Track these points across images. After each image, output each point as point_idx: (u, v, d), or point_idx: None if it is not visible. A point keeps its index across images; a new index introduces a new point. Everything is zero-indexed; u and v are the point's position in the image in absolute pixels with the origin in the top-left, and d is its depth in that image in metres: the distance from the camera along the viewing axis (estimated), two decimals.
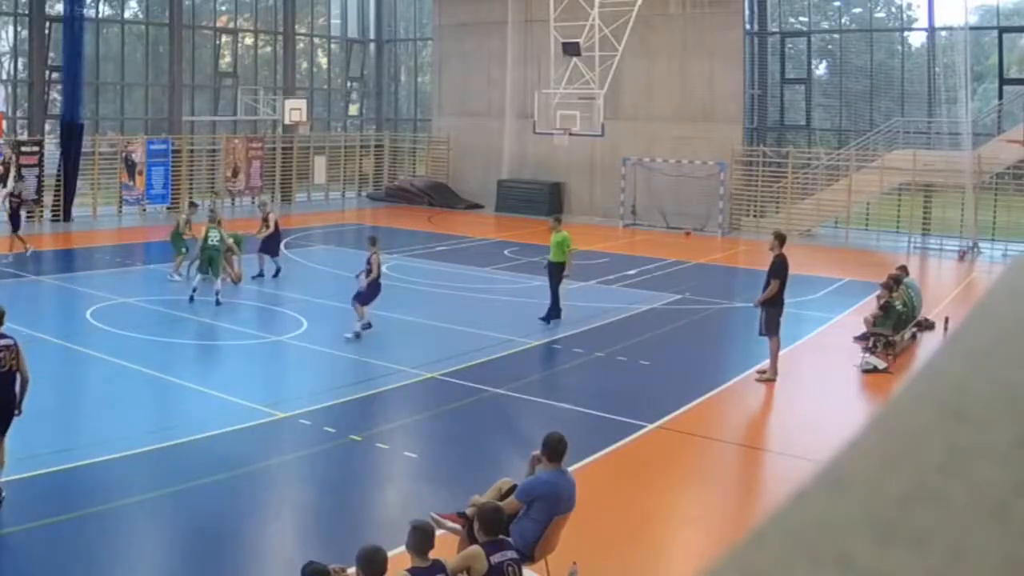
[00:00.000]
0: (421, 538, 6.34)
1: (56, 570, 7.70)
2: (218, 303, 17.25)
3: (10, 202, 22.96)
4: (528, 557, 7.25)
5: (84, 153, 29.22)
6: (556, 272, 17.15)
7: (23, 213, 23.01)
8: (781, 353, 13.92)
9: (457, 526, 7.47)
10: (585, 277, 21.88)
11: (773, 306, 13.75)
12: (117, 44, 33.20)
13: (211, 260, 17.60)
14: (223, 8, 36.27)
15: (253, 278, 19.84)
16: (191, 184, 33.25)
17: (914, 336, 16.43)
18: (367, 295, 15.81)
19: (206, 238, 17.79)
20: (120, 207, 30.40)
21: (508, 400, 12.74)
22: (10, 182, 26.36)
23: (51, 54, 30.07)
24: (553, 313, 17.01)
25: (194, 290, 17.66)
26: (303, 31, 38.04)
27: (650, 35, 31.11)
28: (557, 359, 14.78)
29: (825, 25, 33.48)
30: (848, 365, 14.65)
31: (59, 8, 29.57)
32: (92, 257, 22.15)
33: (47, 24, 29.81)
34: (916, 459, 0.40)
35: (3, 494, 8.75)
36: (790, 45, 33.14)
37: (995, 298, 0.53)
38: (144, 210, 31.14)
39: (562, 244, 17.23)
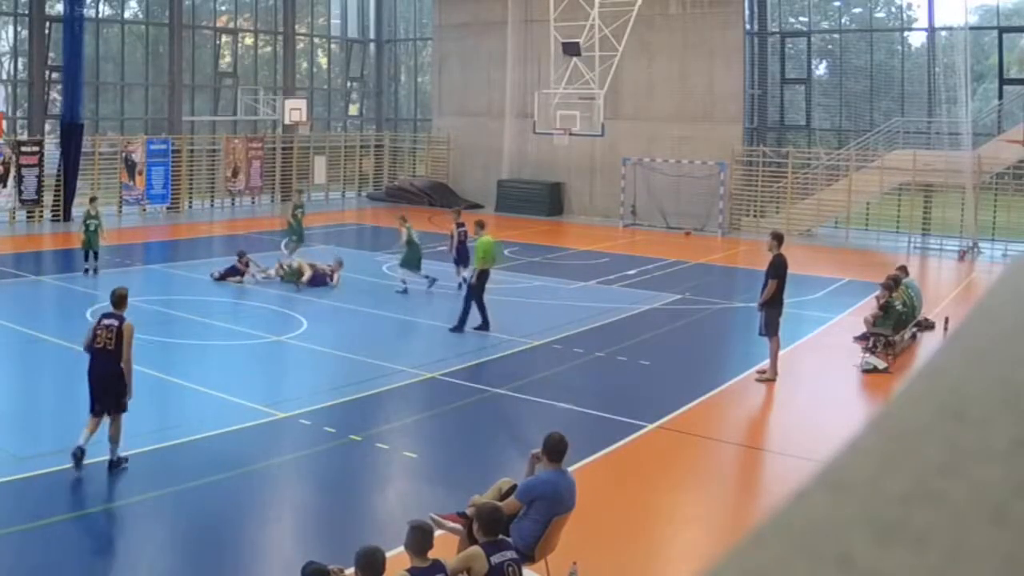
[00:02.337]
0: (420, 538, 6.34)
1: (56, 570, 7.70)
2: (430, 288, 19.37)
3: None
4: (528, 557, 7.25)
5: (84, 153, 29.22)
6: (479, 280, 16.19)
7: None
8: (781, 353, 13.92)
9: (457, 526, 7.47)
10: (585, 277, 21.88)
11: (772, 306, 13.75)
12: (117, 44, 33.21)
13: (418, 258, 19.71)
14: (223, 8, 36.28)
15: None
16: (191, 184, 33.27)
17: (914, 336, 16.43)
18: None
19: (410, 237, 19.63)
20: (120, 207, 30.41)
21: (508, 400, 12.74)
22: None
23: (51, 54, 30.07)
24: (482, 324, 16.06)
25: (403, 282, 19.40)
26: (303, 31, 38.04)
27: (650, 35, 31.12)
28: (557, 359, 14.78)
29: (825, 25, 33.48)
30: (848, 365, 14.64)
31: (59, 8, 29.57)
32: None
33: (47, 24, 29.81)
34: (916, 459, 0.40)
35: (126, 463, 9.73)
36: (790, 45, 33.14)
37: (995, 298, 0.53)
38: (144, 210, 31.14)
39: (481, 250, 16.32)
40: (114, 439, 9.65)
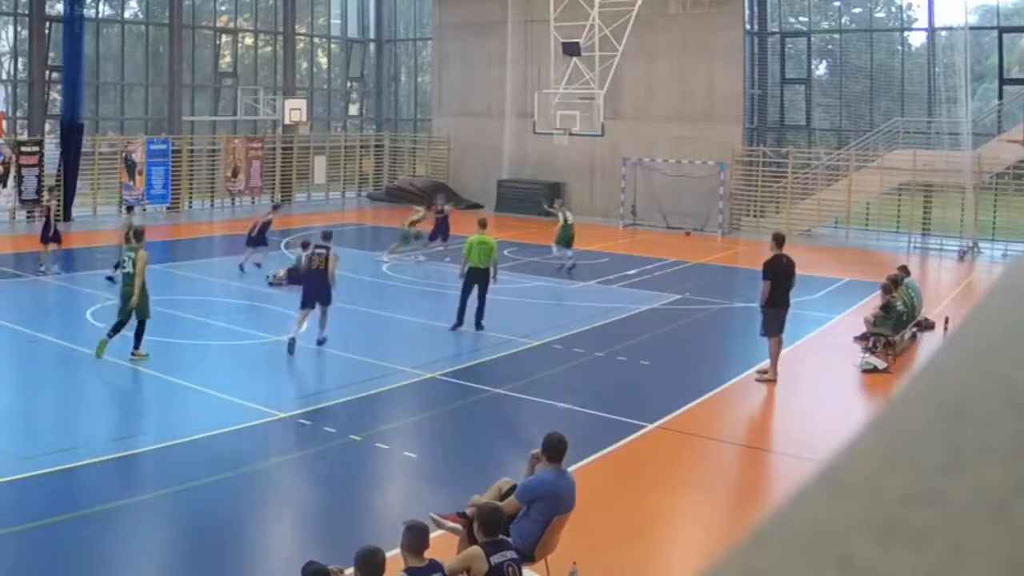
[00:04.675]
0: (416, 537, 6.33)
1: (56, 570, 7.70)
2: (573, 267, 22.31)
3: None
4: (528, 557, 7.25)
5: (84, 153, 29.21)
6: (476, 278, 16.27)
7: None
8: (781, 353, 13.89)
9: (457, 526, 7.47)
10: (585, 277, 21.89)
11: (771, 307, 13.74)
12: (117, 44, 33.20)
13: (571, 238, 22.52)
14: (223, 8, 36.27)
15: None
16: (191, 184, 33.27)
17: (914, 336, 16.43)
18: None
19: (566, 221, 22.43)
20: (120, 207, 30.38)
21: (508, 400, 12.74)
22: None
23: (51, 54, 30.06)
24: (458, 321, 16.25)
25: (569, 258, 22.28)
26: (303, 31, 38.04)
27: (650, 35, 31.11)
28: (557, 359, 14.78)
29: (825, 25, 33.48)
30: (848, 365, 14.64)
31: (59, 8, 29.57)
32: (92, 257, 22.13)
33: (47, 24, 29.80)
34: (916, 459, 0.40)
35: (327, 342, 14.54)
36: (790, 45, 33.14)
37: (995, 298, 0.53)
38: (144, 210, 31.13)
39: (464, 248, 16.63)
40: (324, 324, 14.65)
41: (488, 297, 16.34)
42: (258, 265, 20.86)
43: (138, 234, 14.47)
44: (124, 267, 13.99)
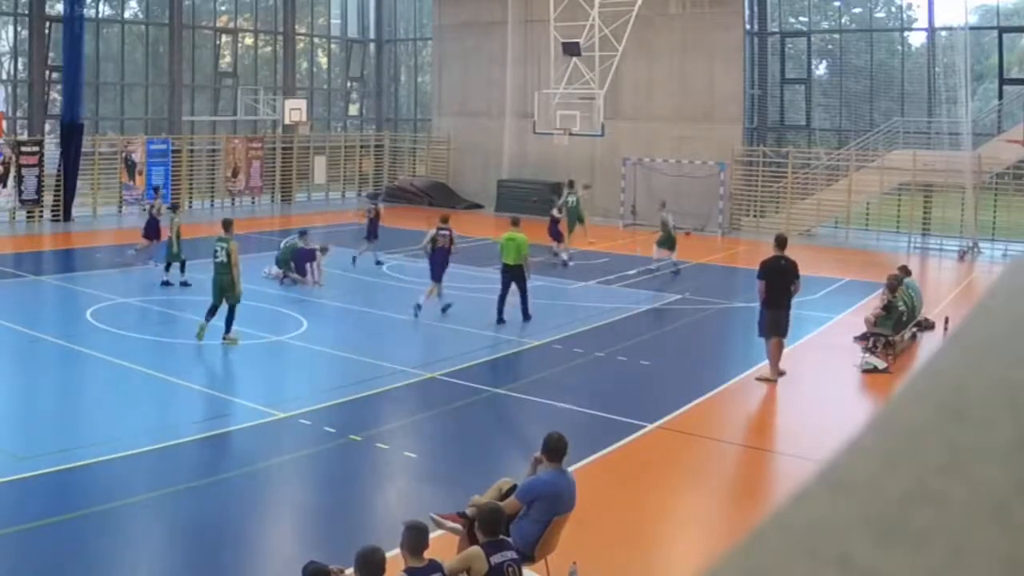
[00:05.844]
0: (416, 537, 6.33)
1: (56, 570, 7.70)
2: (677, 272, 22.42)
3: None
4: (528, 557, 7.25)
5: (84, 153, 29.21)
6: (513, 275, 16.96)
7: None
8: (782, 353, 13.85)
9: (457, 526, 7.47)
10: (585, 277, 21.89)
11: (768, 308, 13.71)
12: (117, 44, 33.19)
13: (672, 239, 22.76)
14: (223, 8, 36.27)
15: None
16: (191, 184, 33.26)
17: (914, 336, 16.42)
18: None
19: (665, 224, 22.80)
20: (120, 207, 30.41)
21: (508, 400, 12.74)
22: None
23: (51, 54, 30.06)
24: (499, 318, 16.88)
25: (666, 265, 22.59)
26: (303, 31, 38.03)
27: (650, 35, 31.10)
28: (557, 359, 14.78)
29: (825, 25, 33.47)
30: (848, 365, 14.64)
31: (59, 8, 29.56)
32: (92, 257, 22.14)
33: (47, 24, 29.80)
34: (916, 459, 0.40)
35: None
36: (790, 45, 33.14)
37: (995, 298, 0.53)
38: (144, 210, 31.09)
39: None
40: (441, 294, 16.91)
41: (529, 291, 17.17)
42: (379, 263, 22.51)
43: (227, 225, 15.61)
44: (217, 257, 14.87)
